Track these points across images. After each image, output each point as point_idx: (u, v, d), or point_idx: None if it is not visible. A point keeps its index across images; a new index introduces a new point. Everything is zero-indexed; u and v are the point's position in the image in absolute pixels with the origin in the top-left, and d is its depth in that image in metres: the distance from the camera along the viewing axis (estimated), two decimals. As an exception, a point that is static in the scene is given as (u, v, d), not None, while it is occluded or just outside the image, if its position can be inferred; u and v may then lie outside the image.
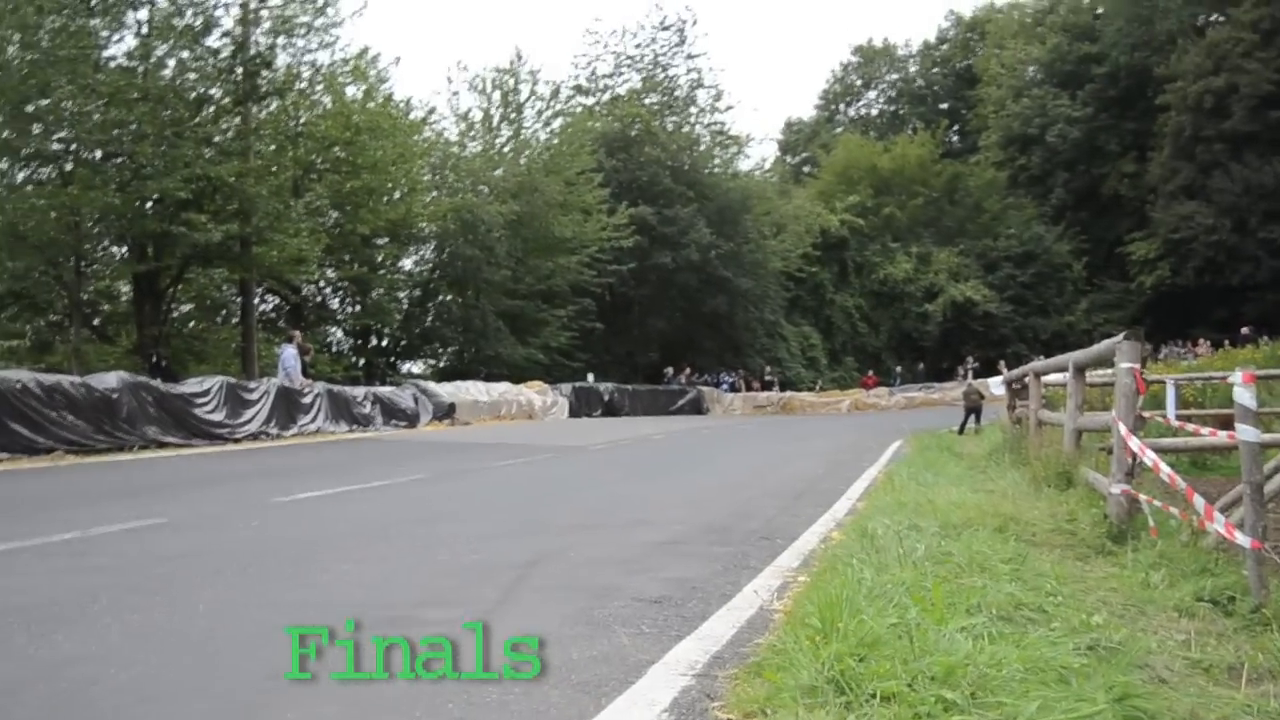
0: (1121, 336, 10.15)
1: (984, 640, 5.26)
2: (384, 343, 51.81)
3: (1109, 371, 14.19)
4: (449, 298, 51.50)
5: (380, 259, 48.10)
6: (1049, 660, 4.97)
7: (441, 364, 51.98)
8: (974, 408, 29.99)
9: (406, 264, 51.58)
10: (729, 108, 68.98)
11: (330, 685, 5.07)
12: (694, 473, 18.34)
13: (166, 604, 6.91)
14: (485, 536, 10.03)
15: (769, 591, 7.23)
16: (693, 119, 64.85)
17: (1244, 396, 6.90)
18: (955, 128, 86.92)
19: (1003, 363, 45.36)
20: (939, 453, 20.11)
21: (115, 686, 5.02)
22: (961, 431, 28.37)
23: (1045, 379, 17.75)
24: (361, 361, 49.41)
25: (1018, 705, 4.30)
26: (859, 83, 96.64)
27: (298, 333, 31.90)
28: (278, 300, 47.26)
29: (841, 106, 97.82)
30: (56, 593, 7.24)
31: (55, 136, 32.55)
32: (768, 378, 59.34)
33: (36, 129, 32.08)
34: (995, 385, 33.51)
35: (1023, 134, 75.50)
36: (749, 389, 56.95)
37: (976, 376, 44.63)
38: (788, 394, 56.42)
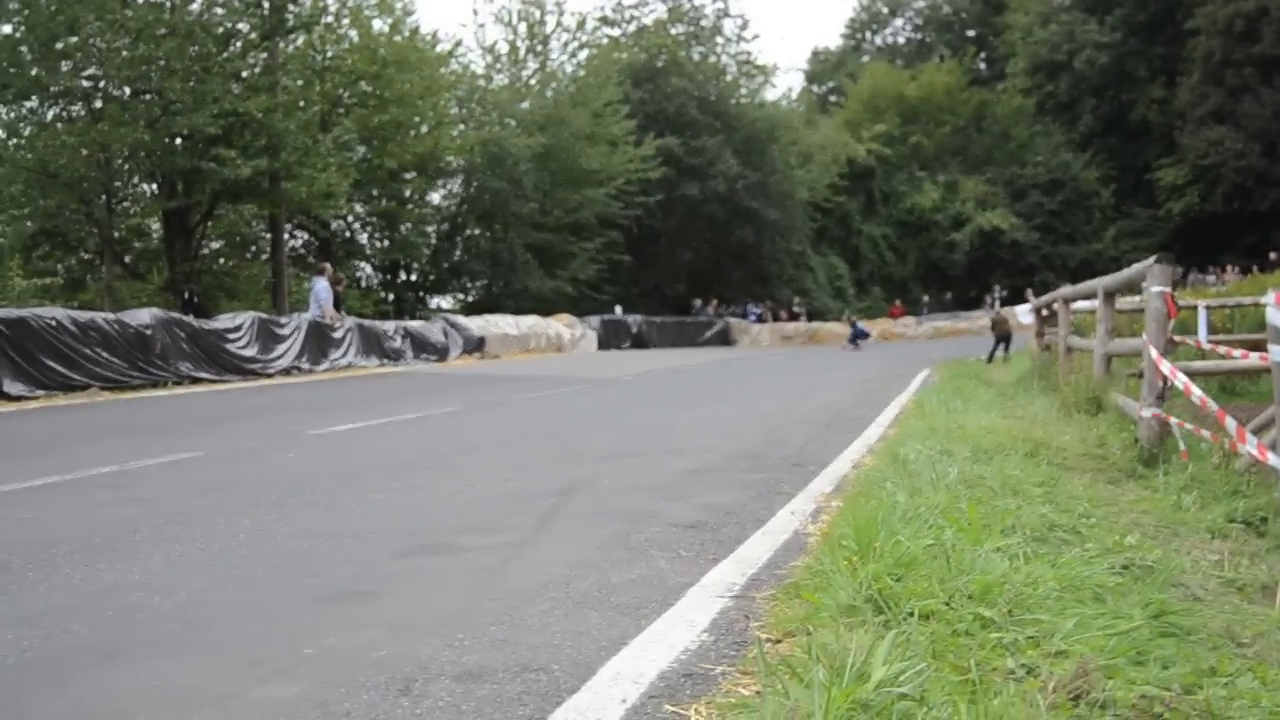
0: (1153, 260, 10.14)
1: (1019, 560, 5.30)
2: (413, 277, 51.95)
3: (1137, 298, 14.21)
4: (477, 231, 51.53)
5: (408, 193, 48.14)
6: (1084, 579, 5.01)
7: (470, 298, 52.08)
8: (1003, 336, 29.95)
9: (434, 198, 51.65)
10: (755, 37, 68.87)
11: (373, 608, 5.15)
12: (724, 403, 18.36)
13: (206, 534, 6.98)
14: (519, 466, 10.08)
15: (803, 516, 7.26)
16: (719, 49, 64.58)
17: (1277, 318, 6.88)
18: (982, 55, 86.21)
19: (1030, 290, 45.26)
20: (967, 380, 20.09)
21: (161, 613, 5.09)
22: (990, 360, 28.33)
23: (1074, 305, 17.71)
24: (391, 296, 49.57)
25: (1055, 622, 4.33)
26: (885, 10, 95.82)
27: (329, 265, 31.97)
28: (307, 236, 47.40)
29: (868, 34, 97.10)
30: (98, 524, 7.32)
31: (84, 73, 32.59)
32: (795, 309, 59.30)
33: (65, 66, 32.12)
34: (1023, 313, 33.45)
35: (1050, 60, 74.83)
36: (776, 320, 56.91)
37: (1004, 305, 44.53)
38: (815, 324, 56.36)
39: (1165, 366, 9.28)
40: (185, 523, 7.36)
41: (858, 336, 45.49)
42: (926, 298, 65.95)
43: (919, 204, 69.58)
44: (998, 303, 49.67)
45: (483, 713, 3.68)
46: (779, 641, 4.40)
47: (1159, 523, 7.00)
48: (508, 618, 4.86)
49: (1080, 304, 17.47)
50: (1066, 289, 18.75)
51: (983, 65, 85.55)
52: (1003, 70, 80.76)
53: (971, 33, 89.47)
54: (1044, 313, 22.77)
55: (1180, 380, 8.78)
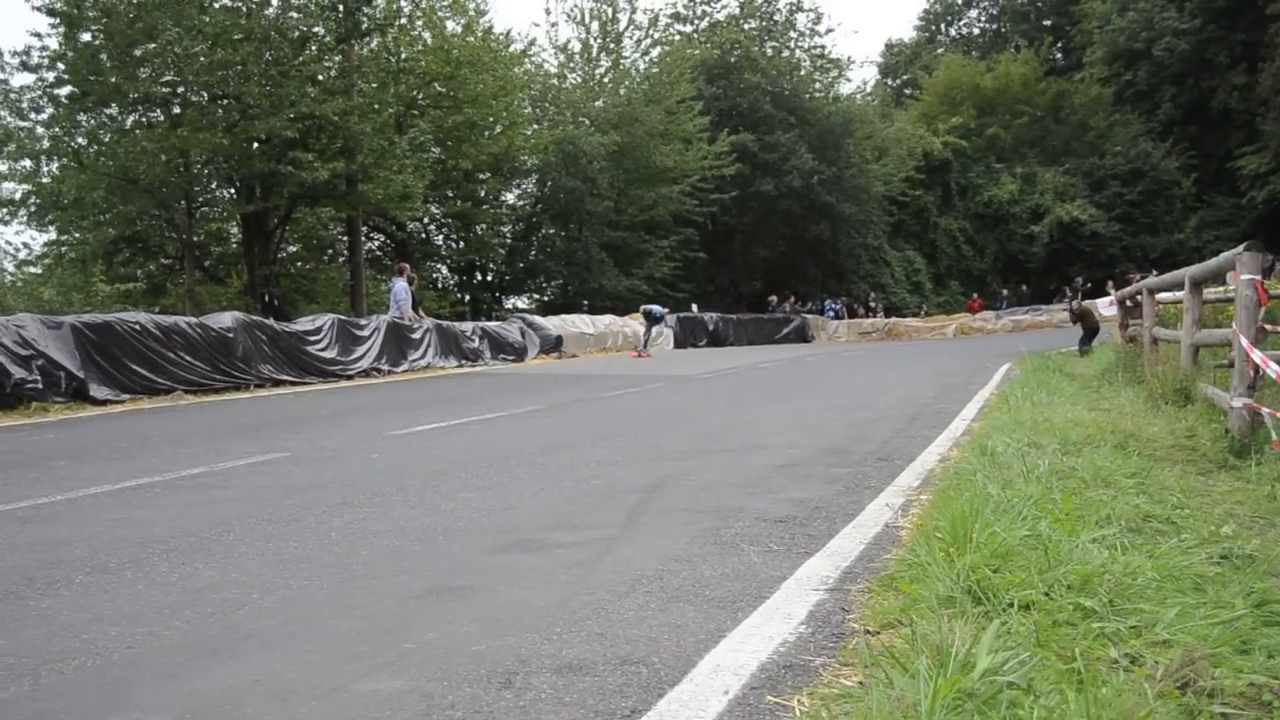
0: (1242, 248, 10.01)
1: (1117, 551, 5.28)
2: (489, 278, 52.12)
3: (1221, 289, 14.04)
4: (552, 231, 51.65)
5: (483, 194, 48.29)
6: (1183, 569, 4.97)
7: (546, 297, 52.20)
8: (1092, 329, 29.52)
9: (509, 198, 51.78)
10: (829, 30, 68.71)
11: (470, 603, 5.18)
12: (804, 398, 18.30)
13: (299, 532, 7.06)
14: (604, 463, 10.10)
15: (892, 509, 7.24)
16: (792, 43, 64.43)
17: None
18: (1059, 45, 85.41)
19: (1110, 283, 44.75)
20: (1050, 374, 19.89)
21: (259, 609, 5.15)
22: (1083, 352, 27.83)
23: (1159, 296, 17.54)
24: (467, 297, 49.78)
25: (1156, 612, 4.31)
26: (960, 1, 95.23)
27: (408, 265, 32.14)
28: (383, 238, 47.70)
29: (942, 26, 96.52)
30: (191, 524, 7.40)
31: (162, 79, 32.90)
32: (872, 304, 59.08)
33: (144, 72, 32.44)
34: (1104, 305, 33.14)
35: (1129, 49, 73.94)
36: (853, 316, 56.71)
37: (1085, 298, 43.99)
38: (893, 320, 56.10)
39: (1256, 355, 9.17)
40: (277, 522, 7.44)
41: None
42: (1005, 291, 65.37)
43: (996, 196, 68.98)
44: (1080, 295, 49.00)
45: (585, 705, 3.69)
46: (878, 633, 4.39)
47: (1253, 513, 6.92)
48: (603, 612, 4.89)
49: (1164, 295, 17.27)
50: (1151, 280, 18.56)
51: (1059, 55, 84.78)
52: (1080, 59, 79.96)
53: (1048, 22, 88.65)
54: (1128, 304, 22.55)
55: (1272, 369, 8.68)
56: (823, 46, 65.35)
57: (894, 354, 35.62)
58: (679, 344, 42.55)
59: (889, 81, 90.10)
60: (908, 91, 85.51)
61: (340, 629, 4.79)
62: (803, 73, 63.60)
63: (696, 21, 63.73)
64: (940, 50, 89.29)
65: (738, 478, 8.95)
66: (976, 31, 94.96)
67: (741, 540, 6.39)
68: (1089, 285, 56.15)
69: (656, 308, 37.92)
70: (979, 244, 69.89)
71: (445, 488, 8.88)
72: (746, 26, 62.76)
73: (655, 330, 34.84)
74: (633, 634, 4.52)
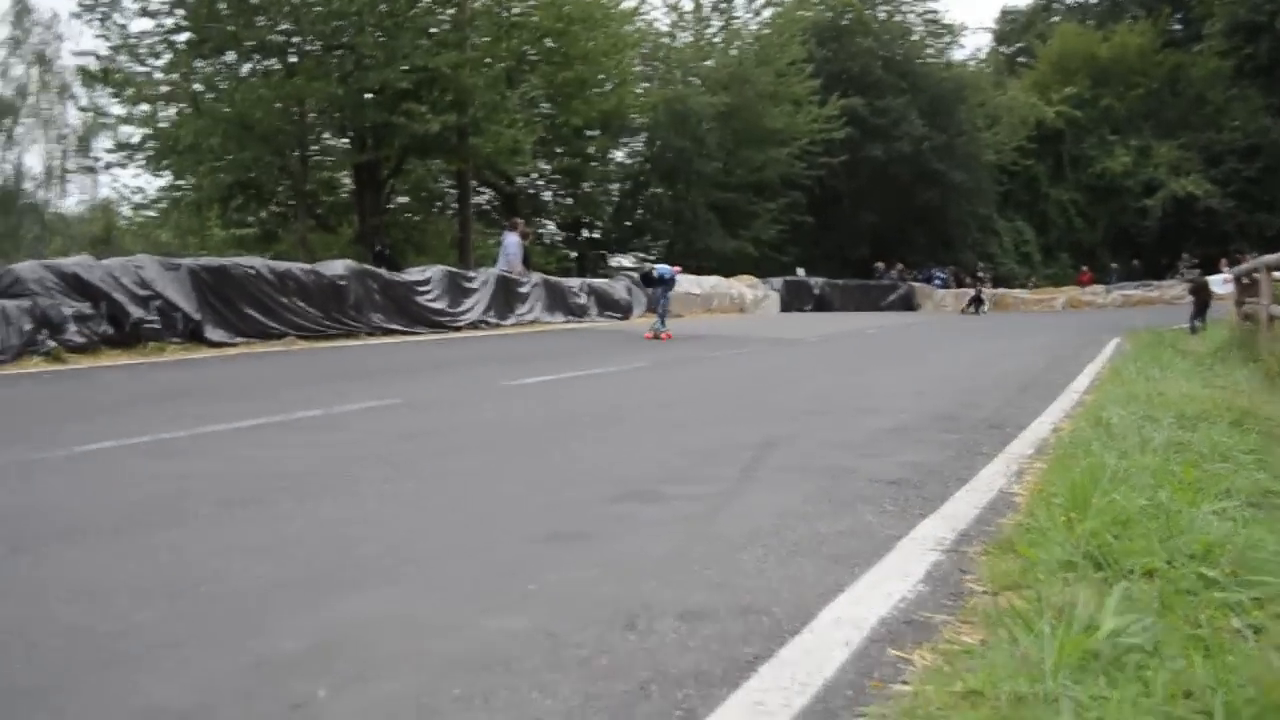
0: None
1: (1237, 523, 5.23)
2: (595, 235, 52.23)
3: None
4: (659, 190, 51.61)
5: (591, 151, 48.31)
6: (1307, 544, 4.92)
7: (652, 257, 52.23)
8: (1205, 303, 29.06)
9: (617, 156, 51.75)
10: (943, -5, 67.71)
11: (589, 549, 5.25)
12: (913, 365, 18.25)
13: (416, 476, 7.16)
14: (715, 420, 10.15)
15: (1006, 475, 7.19)
16: (905, 7, 63.68)
17: None
18: (1178, 15, 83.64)
19: (1224, 260, 43.98)
20: (1162, 349, 19.64)
21: (381, 547, 5.24)
22: (1194, 330, 27.42)
23: (1276, 274, 17.26)
24: (574, 254, 49.93)
25: (1280, 584, 4.28)
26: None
27: (520, 220, 32.31)
28: (492, 192, 47.90)
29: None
30: (310, 463, 7.54)
31: (278, 28, 33.20)
32: (980, 274, 58.68)
33: (260, 20, 32.76)
34: (1218, 283, 32.63)
35: (1250, 21, 72.19)
36: (961, 285, 56.31)
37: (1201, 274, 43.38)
38: (1000, 290, 55.60)
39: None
40: (395, 464, 7.55)
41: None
42: (1115, 265, 64.41)
43: (1109, 169, 67.86)
44: (1197, 270, 48.10)
45: (709, 649, 3.73)
46: (997, 594, 4.39)
47: (1376, 493, 6.83)
48: (722, 563, 4.91)
49: (1284, 272, 16.97)
50: (1270, 257, 18.23)
51: (1178, 26, 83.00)
52: (1199, 32, 78.17)
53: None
54: (1244, 281, 22.21)
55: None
56: (936, 11, 64.47)
57: (1003, 324, 35.31)
58: (784, 307, 42.48)
59: (1002, 49, 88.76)
60: (1021, 60, 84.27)
61: (463, 568, 4.87)
62: (915, 38, 62.93)
63: (810, -18, 63.36)
64: (1056, 18, 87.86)
65: (849, 439, 8.94)
66: (1094, 1, 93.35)
67: (856, 500, 6.39)
68: (1197, 262, 55.20)
69: (664, 267, 26.76)
70: (1090, 216, 68.87)
71: (557, 438, 8.97)
72: (860, -12, 62.32)
73: (664, 300, 25.47)
74: (752, 584, 4.55)
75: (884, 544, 5.32)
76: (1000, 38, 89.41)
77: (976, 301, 47.81)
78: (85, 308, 16.69)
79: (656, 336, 23.12)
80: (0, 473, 6.72)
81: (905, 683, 3.44)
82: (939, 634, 3.93)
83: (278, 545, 5.25)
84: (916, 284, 53.54)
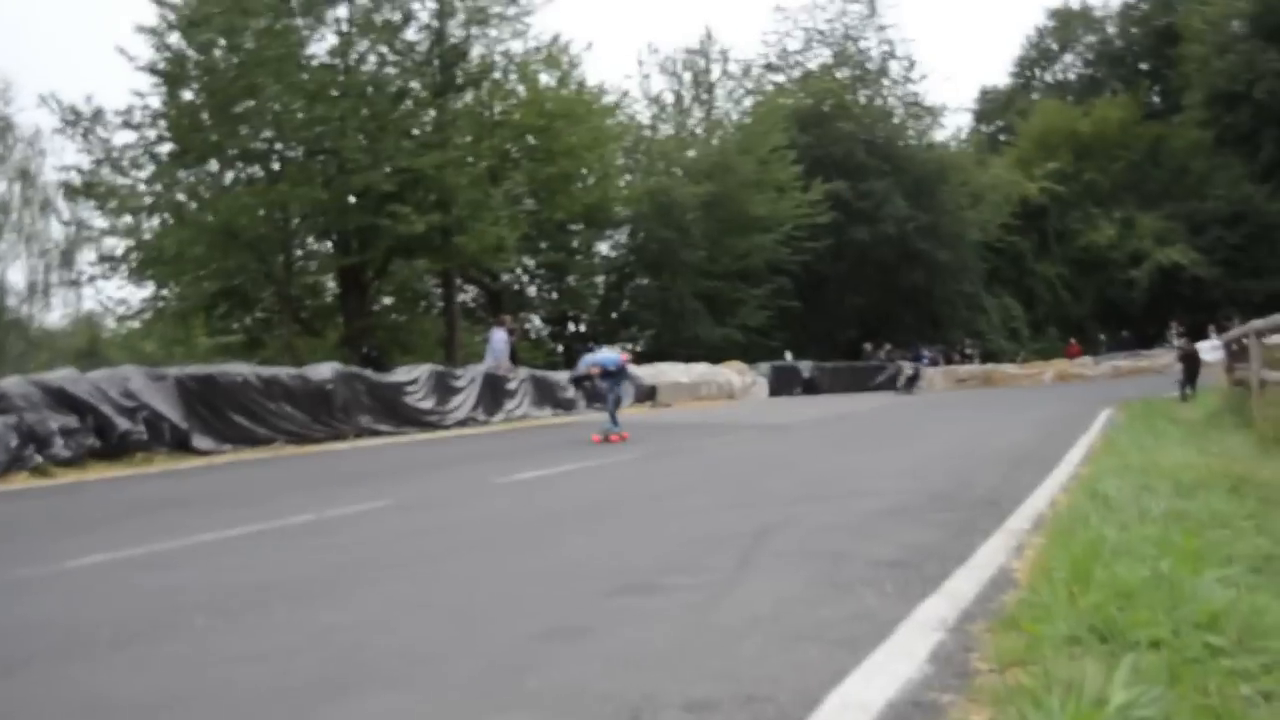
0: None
1: (1241, 589, 5.20)
2: (582, 328, 52.38)
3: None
4: (645, 281, 51.85)
5: (576, 244, 48.57)
6: (1311, 609, 4.90)
7: (639, 347, 52.33)
8: (1194, 371, 29.16)
9: (602, 248, 52.05)
10: (922, 78, 68.04)
11: (590, 643, 5.20)
12: (905, 446, 18.24)
13: (413, 577, 7.13)
14: (710, 509, 10.12)
15: (1005, 552, 7.17)
16: (886, 91, 64.43)
17: None
18: (1156, 88, 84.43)
19: (1212, 327, 44.05)
20: (1155, 419, 19.72)
21: (383, 650, 5.19)
22: (1184, 396, 27.50)
23: (1267, 340, 17.29)
24: (560, 347, 50.03)
25: (1288, 649, 4.25)
26: (1055, 47, 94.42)
27: (508, 317, 32.43)
28: (477, 289, 48.06)
29: (1037, 71, 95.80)
30: (305, 569, 7.50)
31: (261, 136, 33.44)
32: (968, 351, 58.73)
33: (243, 129, 32.99)
34: (1206, 349, 32.73)
35: (1229, 91, 72.69)
36: (950, 362, 56.38)
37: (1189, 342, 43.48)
38: (989, 366, 55.68)
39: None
40: (389, 567, 7.53)
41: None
42: (1104, 336, 64.61)
43: (1094, 241, 68.13)
44: (1184, 339, 48.21)
45: (716, 741, 3.69)
46: (1003, 671, 4.35)
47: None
48: (724, 652, 4.88)
49: (1274, 338, 17.01)
50: (1258, 323, 18.27)
51: (1157, 98, 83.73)
52: (1178, 103, 78.75)
53: (1144, 66, 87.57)
54: (1233, 348, 22.27)
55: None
56: (916, 94, 65.08)
57: (993, 400, 35.34)
58: (773, 392, 42.48)
59: (983, 127, 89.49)
60: (1003, 137, 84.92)
61: (465, 668, 4.82)
62: (896, 120, 63.62)
63: (789, 70, 63.94)
64: (1036, 95, 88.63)
65: (846, 522, 8.91)
66: (1072, 77, 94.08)
67: (856, 583, 6.35)
68: (1184, 330, 55.31)
69: (609, 355, 23.00)
70: (1077, 289, 69.12)
71: (553, 533, 8.94)
72: (839, 75, 62.86)
73: (618, 392, 21.62)
74: (756, 673, 4.51)
75: (886, 626, 5.28)
76: (980, 116, 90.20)
77: (911, 380, 46.68)
78: (72, 421, 16.62)
79: (606, 439, 19.44)
80: (-8, 591, 6.66)
81: (915, 767, 3.40)
82: (947, 714, 3.90)
83: (278, 653, 5.20)
84: (905, 363, 53.61)
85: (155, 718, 4.22)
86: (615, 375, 21.26)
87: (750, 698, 4.15)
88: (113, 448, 17.01)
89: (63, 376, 17.69)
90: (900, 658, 4.66)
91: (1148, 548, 6.06)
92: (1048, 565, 6.09)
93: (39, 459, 15.67)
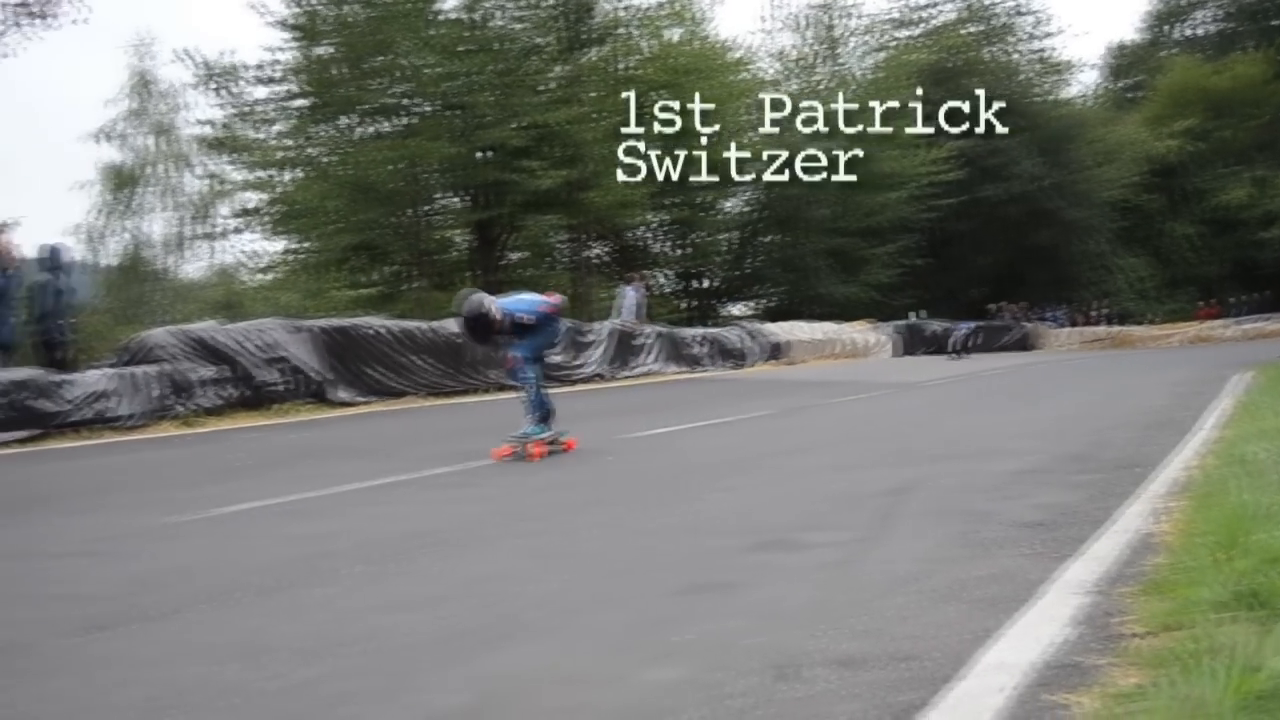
0: None
1: (1398, 558, 5.14)
2: (709, 284, 52.25)
3: None
4: (773, 237, 51.59)
5: (703, 201, 48.40)
6: None
7: (766, 304, 52.11)
8: None
9: (729, 205, 51.76)
10: (1052, 34, 66.80)
11: (732, 599, 5.27)
12: (1037, 406, 18.09)
13: (553, 529, 7.25)
14: (844, 466, 10.14)
15: (1145, 516, 7.10)
16: (1014, 47, 63.42)
17: None
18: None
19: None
20: (1294, 382, 19.35)
21: (530, 600, 5.31)
22: None
23: None
24: (687, 304, 49.97)
25: None
26: (1186, 2, 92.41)
27: (639, 275, 32.46)
28: (605, 245, 48.11)
29: (1168, 28, 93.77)
30: (447, 520, 7.65)
31: (394, 91, 33.68)
32: (1098, 311, 57.89)
33: (376, 84, 33.25)
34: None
35: (1372, 43, 70.83)
36: (1077, 324, 55.67)
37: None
38: (1119, 327, 54.88)
39: None
40: (529, 519, 7.65)
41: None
42: (1237, 298, 63.27)
43: (1228, 201, 66.65)
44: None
45: (866, 698, 3.73)
46: (1152, 636, 4.34)
47: None
48: (867, 610, 4.91)
49: None
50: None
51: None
52: (1316, 59, 76.94)
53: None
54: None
55: None
56: (1045, 50, 63.97)
57: (1124, 362, 34.83)
58: (900, 351, 42.17)
59: (1114, 84, 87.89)
60: (1134, 94, 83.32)
61: (610, 621, 4.92)
62: (1025, 77, 62.61)
63: (916, 26, 63.11)
64: (1167, 52, 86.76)
65: (982, 483, 8.89)
66: (1205, 32, 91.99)
67: (996, 543, 6.36)
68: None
69: (526, 299, 12.42)
70: (1210, 250, 67.67)
71: (688, 488, 9.01)
72: (967, 31, 62.01)
73: (530, 374, 12.19)
74: (901, 631, 4.54)
75: (1029, 587, 5.28)
76: (1111, 73, 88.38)
77: (966, 342, 42.39)
78: (215, 371, 16.97)
79: (522, 450, 11.38)
80: (146, 537, 6.85)
81: (1068, 727, 3.42)
82: (1097, 678, 3.90)
83: (426, 602, 5.32)
84: (1034, 323, 52.99)
85: (313, 662, 4.33)
86: (534, 333, 11.99)
87: (897, 656, 4.19)
88: (254, 398, 17.36)
89: (206, 328, 18.07)
90: (1045, 620, 4.66)
91: (1296, 515, 5.99)
92: (1192, 530, 6.05)
93: (184, 408, 16.04)
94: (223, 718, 3.75)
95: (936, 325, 45.76)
